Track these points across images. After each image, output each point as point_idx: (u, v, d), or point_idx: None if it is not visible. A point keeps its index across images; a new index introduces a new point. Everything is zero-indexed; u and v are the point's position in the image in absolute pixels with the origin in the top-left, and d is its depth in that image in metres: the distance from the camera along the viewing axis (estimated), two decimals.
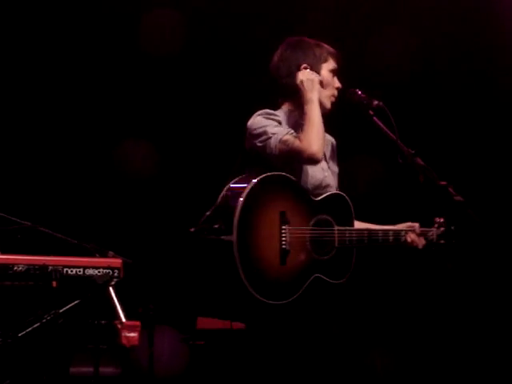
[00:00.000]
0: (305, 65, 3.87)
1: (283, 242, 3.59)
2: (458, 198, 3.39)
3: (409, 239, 3.81)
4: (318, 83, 3.84)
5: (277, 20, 5.84)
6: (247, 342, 5.09)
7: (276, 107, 3.95)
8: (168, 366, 5.49)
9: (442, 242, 3.97)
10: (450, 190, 3.39)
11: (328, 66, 3.91)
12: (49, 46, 5.80)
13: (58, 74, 5.85)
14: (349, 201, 3.78)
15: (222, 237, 3.59)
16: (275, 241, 3.60)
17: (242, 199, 3.56)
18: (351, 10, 5.80)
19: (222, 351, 5.14)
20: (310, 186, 3.79)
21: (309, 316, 3.66)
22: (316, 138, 3.68)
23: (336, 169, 4.03)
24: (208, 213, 3.75)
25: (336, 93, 3.92)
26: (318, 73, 3.88)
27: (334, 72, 3.92)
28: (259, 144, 3.78)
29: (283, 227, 3.60)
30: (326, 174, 3.89)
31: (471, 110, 5.88)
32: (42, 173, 5.81)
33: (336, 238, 3.68)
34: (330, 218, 3.70)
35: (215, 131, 5.95)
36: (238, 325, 5.22)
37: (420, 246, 3.88)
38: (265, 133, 3.78)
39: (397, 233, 3.85)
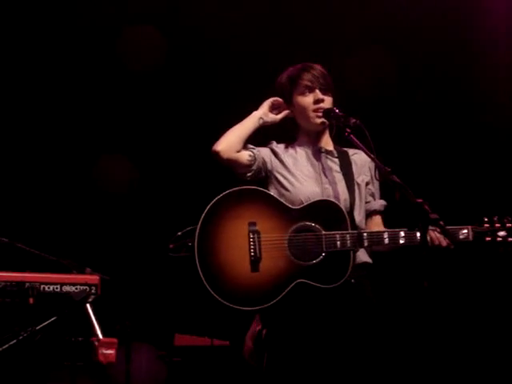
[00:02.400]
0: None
1: (251, 251, 3.63)
2: (434, 215, 3.40)
3: (428, 238, 3.68)
4: (267, 104, 3.97)
5: (257, 38, 5.87)
6: (227, 358, 5.09)
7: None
8: (145, 383, 5.47)
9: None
10: (426, 207, 3.40)
11: (297, 90, 3.93)
12: (25, 61, 5.81)
13: (38, 89, 5.85)
14: (339, 205, 3.72)
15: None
16: (244, 250, 3.64)
17: (203, 214, 3.65)
18: (332, 29, 5.84)
19: (200, 368, 5.13)
20: (302, 199, 3.77)
21: (296, 320, 3.67)
22: (223, 138, 3.85)
23: (361, 181, 3.94)
24: (179, 233, 3.79)
25: (320, 106, 3.89)
26: (294, 103, 3.94)
27: (308, 87, 3.91)
28: None
29: (251, 236, 3.64)
30: (327, 186, 3.83)
31: (448, 128, 5.92)
32: (20, 189, 5.80)
33: (324, 243, 3.67)
34: (315, 224, 3.68)
35: (194, 149, 5.96)
36: (218, 342, 5.24)
37: (444, 245, 3.73)
38: None
39: (394, 234, 3.76)
